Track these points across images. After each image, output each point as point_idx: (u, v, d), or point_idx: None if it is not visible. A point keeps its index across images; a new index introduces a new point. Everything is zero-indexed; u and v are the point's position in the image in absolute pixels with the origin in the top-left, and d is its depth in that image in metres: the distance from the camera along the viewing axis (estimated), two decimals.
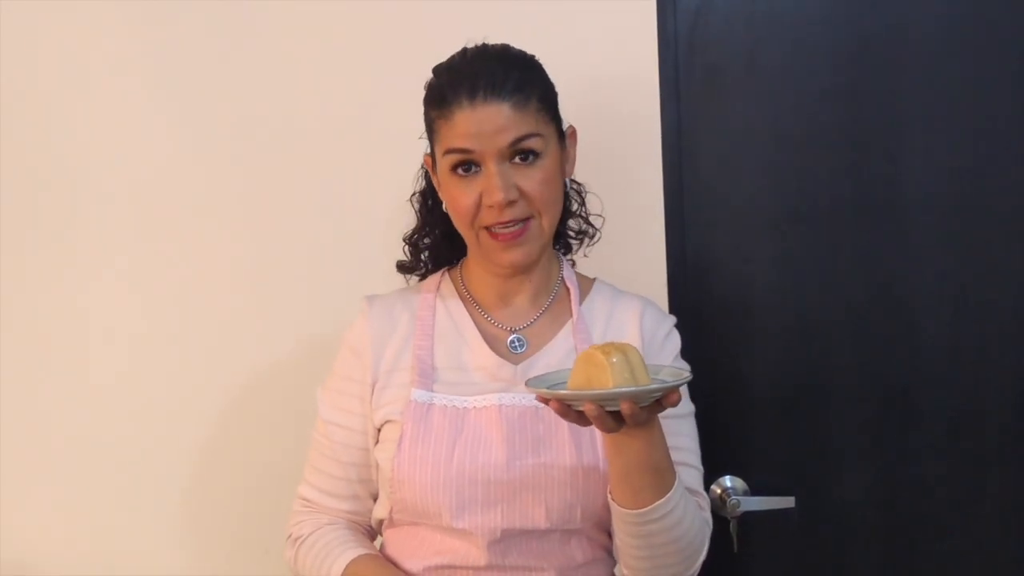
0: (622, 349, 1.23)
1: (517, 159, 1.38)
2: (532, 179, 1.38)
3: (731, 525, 1.80)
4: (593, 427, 1.37)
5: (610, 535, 1.47)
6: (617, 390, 1.19)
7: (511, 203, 1.38)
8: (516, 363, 1.45)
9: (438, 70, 1.44)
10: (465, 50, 1.44)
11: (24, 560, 1.89)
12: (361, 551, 1.45)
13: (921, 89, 1.78)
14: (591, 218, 1.60)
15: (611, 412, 1.22)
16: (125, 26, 1.84)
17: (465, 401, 1.42)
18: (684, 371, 1.37)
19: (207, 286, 1.86)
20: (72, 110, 1.86)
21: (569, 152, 1.48)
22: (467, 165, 1.39)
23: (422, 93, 1.45)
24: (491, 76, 1.37)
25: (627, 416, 1.20)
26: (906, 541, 1.83)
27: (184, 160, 1.86)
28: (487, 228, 1.41)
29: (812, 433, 1.82)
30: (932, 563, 1.83)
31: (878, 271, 1.80)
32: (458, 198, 1.40)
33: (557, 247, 1.57)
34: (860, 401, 1.81)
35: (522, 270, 1.47)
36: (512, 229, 1.40)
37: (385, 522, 1.48)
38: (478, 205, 1.39)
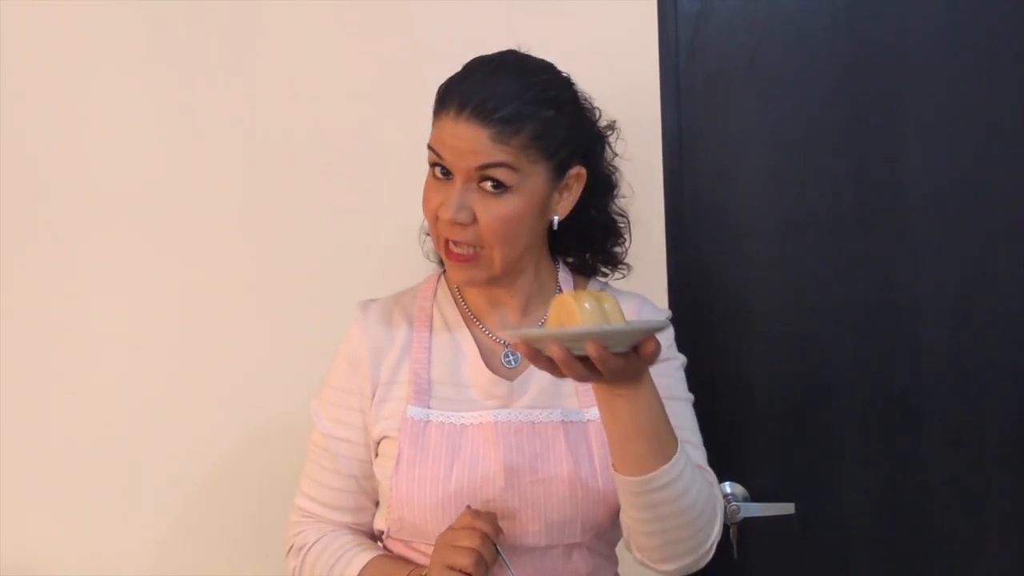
0: (595, 295, 1.18)
1: (488, 185, 1.34)
2: (491, 211, 1.34)
3: (731, 531, 1.80)
4: (591, 437, 1.38)
5: (610, 543, 1.47)
6: (581, 329, 1.14)
7: (460, 225, 1.35)
8: (511, 379, 1.43)
9: (466, 65, 1.40)
10: (500, 56, 1.40)
11: (24, 563, 1.89)
12: (376, 552, 1.44)
13: (922, 94, 1.78)
14: (617, 252, 1.55)
15: (583, 359, 1.16)
16: (125, 29, 1.85)
17: (462, 417, 1.40)
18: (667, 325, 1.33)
19: (208, 290, 1.87)
20: (73, 114, 1.86)
21: (567, 194, 1.42)
22: (444, 169, 1.36)
23: (425, 100, 1.44)
24: (486, 98, 1.33)
25: (596, 360, 1.14)
26: (907, 547, 1.82)
27: (186, 165, 1.86)
28: (442, 239, 1.38)
29: (812, 439, 1.82)
30: (933, 569, 1.82)
31: (879, 276, 1.80)
32: (428, 198, 1.39)
33: (556, 255, 1.54)
34: (861, 406, 1.81)
35: (475, 287, 1.44)
36: (460, 251, 1.37)
37: (385, 534, 1.47)
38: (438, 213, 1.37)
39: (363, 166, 1.84)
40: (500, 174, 1.33)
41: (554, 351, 1.15)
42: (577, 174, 1.42)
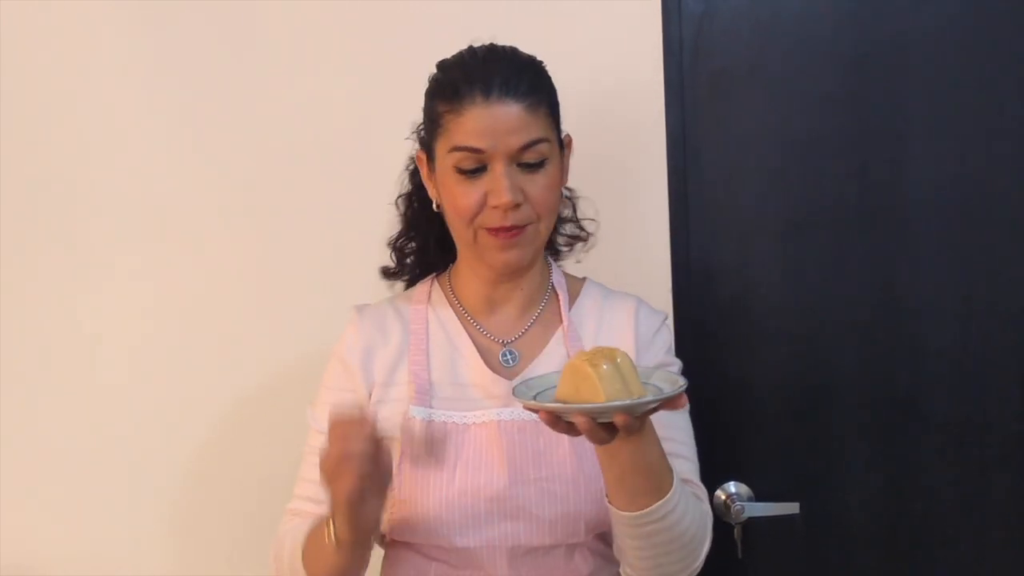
0: (610, 356, 1.18)
1: (528, 161, 1.36)
2: (537, 184, 1.37)
3: (735, 531, 1.80)
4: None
5: (611, 544, 1.46)
6: (611, 404, 1.15)
7: (516, 207, 1.36)
8: (510, 378, 1.43)
9: (446, 65, 1.41)
10: (473, 48, 1.42)
11: (24, 563, 1.88)
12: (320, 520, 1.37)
13: (925, 94, 1.78)
14: (585, 223, 1.57)
15: (603, 423, 1.18)
16: (126, 29, 1.84)
17: (464, 417, 1.40)
18: (677, 373, 1.35)
19: (208, 290, 1.86)
20: (73, 114, 1.86)
21: (566, 162, 1.46)
22: (473, 165, 1.36)
23: (423, 100, 1.45)
24: (505, 76, 1.35)
25: (621, 427, 1.17)
26: (911, 547, 1.82)
27: (186, 165, 1.86)
28: (486, 228, 1.38)
29: (816, 439, 1.82)
30: (935, 568, 1.82)
31: (883, 276, 1.80)
32: (460, 197, 1.37)
33: (547, 252, 1.54)
34: (865, 407, 1.81)
35: (515, 272, 1.44)
36: (512, 231, 1.37)
37: (386, 536, 1.46)
38: (481, 205, 1.36)
39: (363, 166, 1.84)
40: (541, 149, 1.37)
41: (580, 422, 1.17)
42: (568, 140, 1.47)
